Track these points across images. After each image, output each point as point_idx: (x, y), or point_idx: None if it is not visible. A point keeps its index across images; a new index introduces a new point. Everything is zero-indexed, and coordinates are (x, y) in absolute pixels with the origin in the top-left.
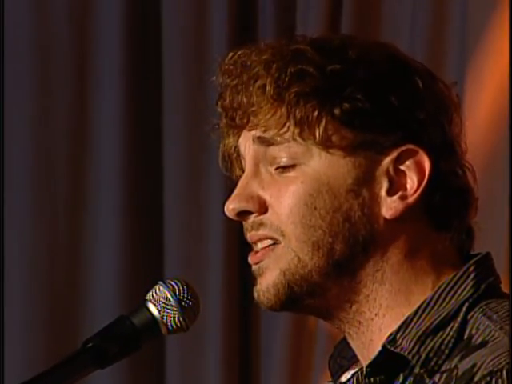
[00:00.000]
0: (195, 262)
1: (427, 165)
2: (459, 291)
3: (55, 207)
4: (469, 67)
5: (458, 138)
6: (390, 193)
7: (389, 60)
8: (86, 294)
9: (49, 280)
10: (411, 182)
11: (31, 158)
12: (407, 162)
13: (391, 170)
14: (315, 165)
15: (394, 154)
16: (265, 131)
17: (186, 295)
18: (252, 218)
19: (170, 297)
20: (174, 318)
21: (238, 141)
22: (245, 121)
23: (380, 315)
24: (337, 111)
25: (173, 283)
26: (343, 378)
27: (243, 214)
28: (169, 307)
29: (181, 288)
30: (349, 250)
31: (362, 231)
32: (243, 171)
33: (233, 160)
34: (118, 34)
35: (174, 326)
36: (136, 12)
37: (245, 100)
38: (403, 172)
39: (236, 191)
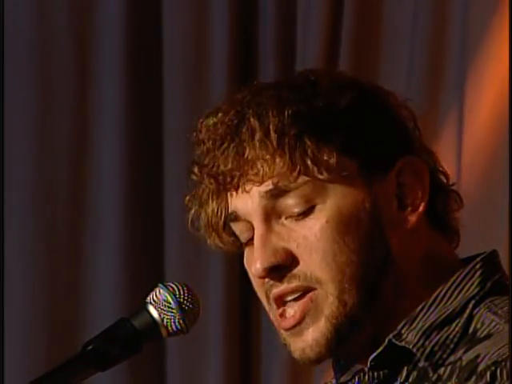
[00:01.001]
0: (195, 263)
1: (425, 170)
2: (465, 288)
3: (55, 207)
4: (469, 70)
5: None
6: (401, 207)
7: (354, 83)
8: (86, 294)
9: (49, 280)
10: (416, 190)
11: (31, 158)
12: (408, 173)
13: (396, 184)
14: (334, 200)
15: (396, 169)
16: (276, 183)
17: (186, 297)
18: (284, 272)
19: (170, 299)
20: (174, 320)
21: (225, 205)
22: (240, 181)
23: (398, 320)
24: (340, 142)
25: (173, 285)
26: (348, 376)
27: (275, 270)
28: (169, 310)
29: (181, 290)
30: (375, 273)
31: (382, 252)
32: (234, 236)
33: (219, 227)
34: (118, 35)
35: (175, 328)
36: (136, 12)
37: (242, 159)
38: (406, 183)
39: (258, 252)
